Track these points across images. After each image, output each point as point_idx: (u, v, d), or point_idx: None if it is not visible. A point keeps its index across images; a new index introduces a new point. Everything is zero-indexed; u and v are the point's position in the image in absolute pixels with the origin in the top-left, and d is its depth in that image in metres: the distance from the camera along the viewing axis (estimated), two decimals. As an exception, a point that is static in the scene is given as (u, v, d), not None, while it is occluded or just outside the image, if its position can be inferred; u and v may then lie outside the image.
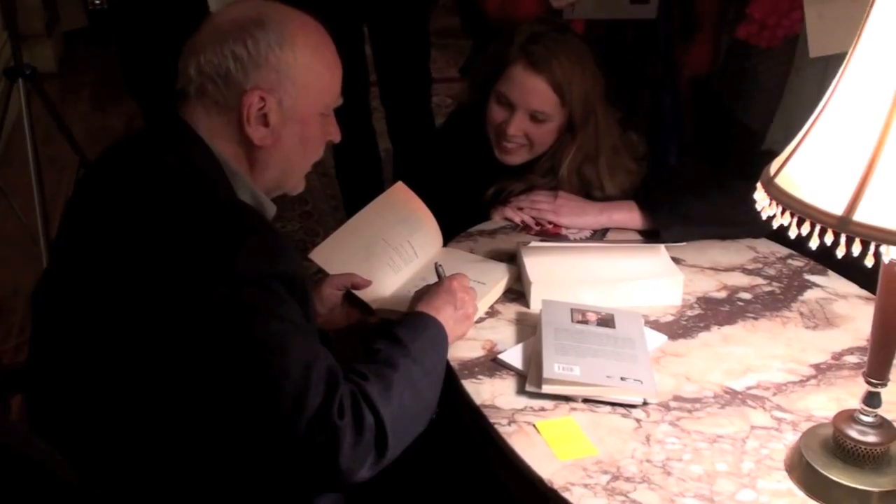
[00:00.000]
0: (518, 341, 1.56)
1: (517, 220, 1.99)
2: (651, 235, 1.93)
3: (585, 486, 1.24)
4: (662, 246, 1.79)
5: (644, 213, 1.95)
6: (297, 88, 1.35)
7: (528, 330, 1.59)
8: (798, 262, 1.84)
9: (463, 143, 2.14)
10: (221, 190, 1.34)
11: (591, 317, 1.56)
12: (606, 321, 1.55)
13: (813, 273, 1.80)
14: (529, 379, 1.44)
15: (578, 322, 1.54)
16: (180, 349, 1.20)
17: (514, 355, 1.51)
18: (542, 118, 1.98)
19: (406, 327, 1.42)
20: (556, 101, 1.96)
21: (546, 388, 1.40)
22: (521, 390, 1.43)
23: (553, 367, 1.41)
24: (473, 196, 2.07)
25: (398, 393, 1.27)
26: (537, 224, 1.97)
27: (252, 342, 1.18)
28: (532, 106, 1.96)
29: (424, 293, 1.55)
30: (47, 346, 1.36)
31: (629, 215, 1.96)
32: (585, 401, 1.40)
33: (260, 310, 1.20)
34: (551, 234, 1.96)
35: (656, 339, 1.57)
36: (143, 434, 1.27)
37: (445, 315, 1.48)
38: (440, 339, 1.44)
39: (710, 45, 2.51)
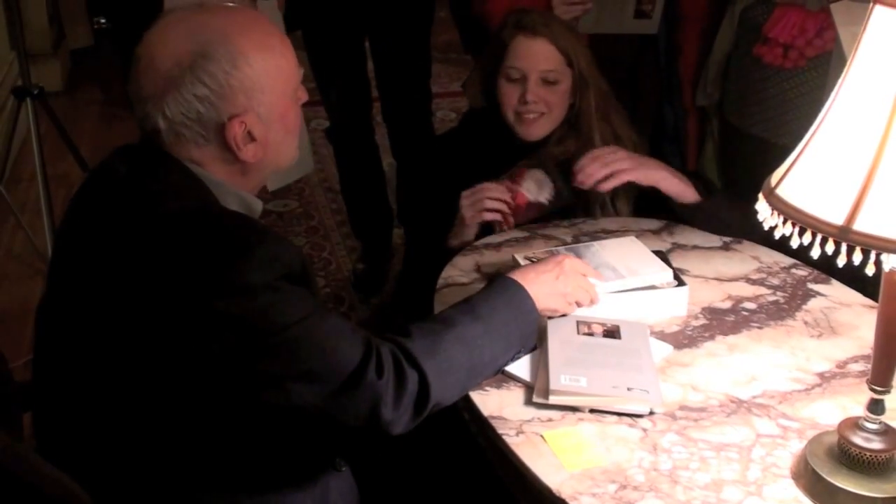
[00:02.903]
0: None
1: (488, 218, 1.97)
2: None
3: (593, 495, 1.25)
4: (667, 257, 1.80)
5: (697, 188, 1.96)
6: (267, 92, 1.34)
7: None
8: (802, 272, 1.85)
9: (478, 140, 2.18)
10: (207, 203, 1.34)
11: (597, 328, 1.57)
12: (612, 332, 1.56)
13: (817, 282, 1.81)
14: (536, 390, 1.45)
15: (584, 333, 1.56)
16: (200, 360, 1.23)
17: (521, 367, 1.52)
18: (554, 78, 2.03)
19: (484, 290, 1.50)
20: (562, 60, 2.03)
21: (553, 399, 1.41)
22: (528, 401, 1.44)
23: (560, 378, 1.43)
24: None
25: (445, 348, 1.35)
26: (500, 210, 1.97)
27: (279, 341, 1.23)
28: (541, 66, 2.02)
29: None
30: (51, 365, 1.38)
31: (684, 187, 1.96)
32: (592, 411, 1.41)
33: (277, 311, 1.24)
34: (519, 206, 1.97)
35: (662, 350, 1.58)
36: (154, 446, 1.29)
37: (537, 284, 1.52)
38: (518, 301, 1.49)
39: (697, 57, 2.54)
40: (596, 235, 1.97)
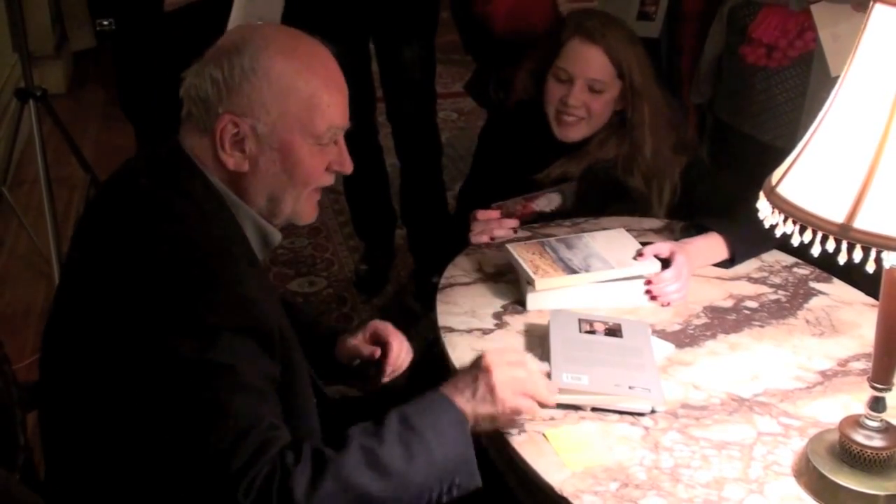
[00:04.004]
0: (527, 352, 1.58)
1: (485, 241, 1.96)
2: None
3: (595, 493, 1.25)
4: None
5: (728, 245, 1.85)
6: (273, 116, 1.32)
7: (537, 341, 1.60)
8: (803, 271, 1.85)
9: (523, 131, 2.19)
10: (217, 224, 1.33)
11: (599, 327, 1.58)
12: (614, 331, 1.57)
13: (818, 281, 1.81)
14: (538, 389, 1.45)
15: (586, 332, 1.56)
16: (137, 396, 1.22)
17: (522, 366, 1.53)
18: (600, 88, 2.04)
19: (416, 408, 1.28)
20: (613, 72, 2.04)
21: (555, 398, 1.42)
22: (530, 400, 1.45)
23: (562, 376, 1.43)
24: (531, 180, 2.11)
25: (341, 481, 1.17)
26: (511, 214, 2.00)
27: (194, 398, 1.19)
28: (590, 74, 2.03)
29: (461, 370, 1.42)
30: (54, 368, 1.39)
31: (718, 248, 1.85)
32: (594, 409, 1.42)
33: (211, 364, 1.19)
34: (526, 214, 2.02)
35: (664, 348, 1.58)
36: (150, 452, 1.28)
37: (463, 397, 1.30)
38: (446, 421, 1.27)
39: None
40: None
